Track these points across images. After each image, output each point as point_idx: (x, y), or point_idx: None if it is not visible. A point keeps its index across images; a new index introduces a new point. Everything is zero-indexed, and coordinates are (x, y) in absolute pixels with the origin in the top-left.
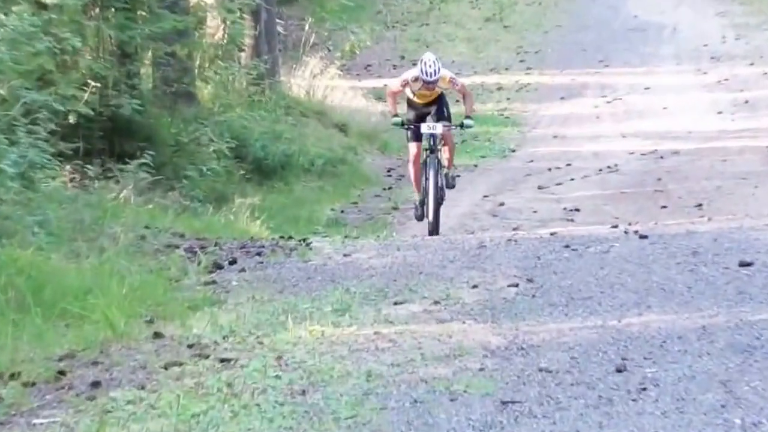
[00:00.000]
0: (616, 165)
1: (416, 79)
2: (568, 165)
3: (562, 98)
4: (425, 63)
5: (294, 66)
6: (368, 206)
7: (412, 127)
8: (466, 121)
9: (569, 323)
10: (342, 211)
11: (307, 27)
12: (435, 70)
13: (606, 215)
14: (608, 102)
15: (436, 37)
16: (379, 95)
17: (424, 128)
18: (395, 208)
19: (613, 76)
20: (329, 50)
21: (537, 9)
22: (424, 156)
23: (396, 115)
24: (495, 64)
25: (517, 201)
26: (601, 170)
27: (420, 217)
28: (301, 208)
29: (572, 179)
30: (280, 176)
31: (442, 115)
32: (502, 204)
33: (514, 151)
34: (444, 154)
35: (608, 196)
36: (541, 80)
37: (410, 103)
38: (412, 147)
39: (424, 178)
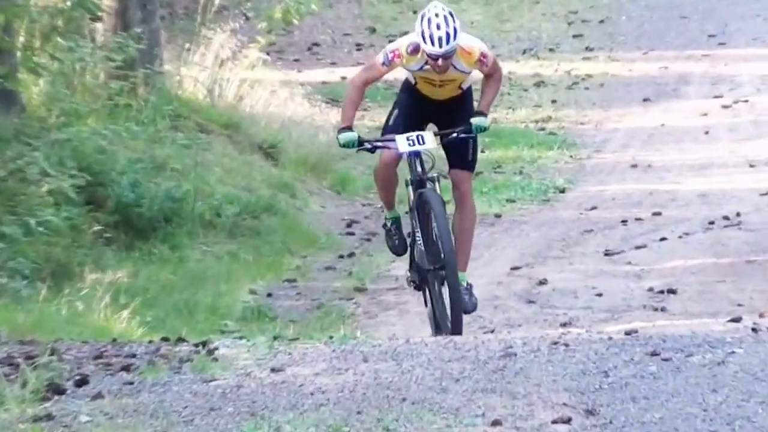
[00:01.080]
0: (738, 215)
1: (414, 51)
2: (657, 214)
3: (646, 100)
4: (429, 20)
5: (187, 46)
6: (314, 286)
7: (378, 145)
8: (477, 120)
9: None
10: (269, 295)
11: None
12: (447, 34)
13: (721, 301)
14: (725, 107)
15: None
16: (333, 95)
17: (401, 144)
18: (360, 289)
19: (734, 61)
20: (246, 18)
21: None
22: (413, 196)
23: (347, 128)
24: (531, 41)
25: (568, 277)
26: (712, 223)
27: (416, 284)
28: (200, 290)
29: (663, 239)
30: (163, 235)
31: (456, 125)
32: (542, 282)
33: (563, 191)
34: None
35: (725, 268)
36: (609, 69)
37: (409, 93)
38: (387, 154)
39: (417, 223)
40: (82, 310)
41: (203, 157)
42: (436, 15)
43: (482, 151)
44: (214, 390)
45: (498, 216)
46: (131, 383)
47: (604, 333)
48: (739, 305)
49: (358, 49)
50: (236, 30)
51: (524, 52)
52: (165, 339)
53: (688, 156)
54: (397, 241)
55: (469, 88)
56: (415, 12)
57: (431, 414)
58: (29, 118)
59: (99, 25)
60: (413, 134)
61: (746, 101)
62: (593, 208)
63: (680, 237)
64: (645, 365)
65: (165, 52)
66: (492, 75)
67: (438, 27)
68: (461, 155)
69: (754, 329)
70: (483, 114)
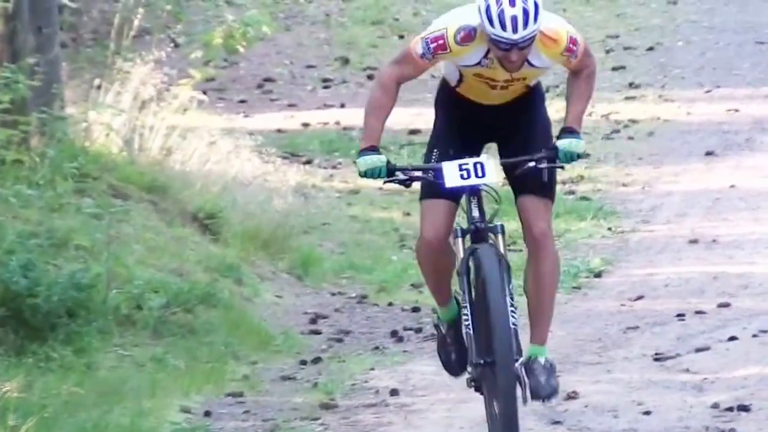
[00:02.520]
0: None
1: (467, 38)
2: (724, 306)
3: (709, 154)
4: None
5: (97, 82)
6: (267, 401)
7: (418, 175)
8: (566, 143)
9: None
10: (207, 414)
11: None
12: (524, 12)
13: None
14: None
15: (424, 10)
16: (293, 147)
17: (449, 174)
18: (329, 406)
19: None
20: (176, 46)
21: None
22: (463, 253)
23: (371, 149)
24: (557, 76)
25: (606, 389)
26: None
27: (476, 385)
28: (114, 408)
29: (732, 338)
30: (66, 335)
31: (530, 143)
32: (572, 395)
33: (599, 275)
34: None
35: None
36: (661, 113)
37: (450, 105)
38: (429, 207)
39: (465, 296)
40: None
41: (119, 230)
42: None
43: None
44: None
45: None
46: None
47: None
48: None
49: (326, 87)
50: (162, 61)
51: (547, 90)
52: None
53: (766, 228)
54: (453, 354)
55: (538, 84)
56: (401, 36)
57: None
58: None
59: None
60: (469, 161)
61: None
62: (639, 297)
63: (755, 336)
64: None
65: (67, 90)
66: (582, 70)
67: (512, 2)
68: (533, 177)
69: None
70: (574, 132)
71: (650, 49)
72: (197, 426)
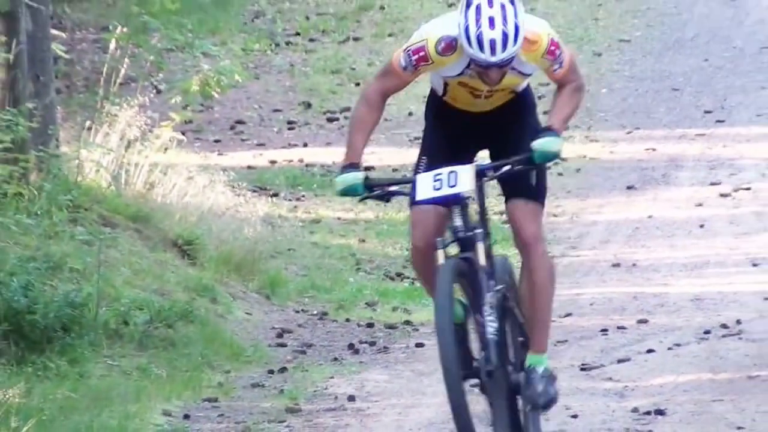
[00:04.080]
0: (738, 322)
1: (448, 48)
2: (642, 322)
3: (630, 188)
4: (477, 8)
5: (88, 124)
6: (239, 406)
7: (394, 190)
8: (541, 143)
9: None
10: (186, 417)
11: (112, 45)
12: (504, 35)
13: (718, 422)
14: (724, 195)
15: (376, 61)
16: (261, 181)
17: (422, 185)
18: (293, 410)
19: (734, 142)
20: (158, 92)
21: (580, 7)
22: (440, 252)
23: (352, 166)
24: None
25: None
26: (708, 333)
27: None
28: (104, 411)
29: (650, 351)
30: (61, 347)
31: (520, 149)
32: None
33: None
34: (506, 271)
35: (723, 385)
36: (587, 151)
37: (438, 115)
38: (417, 214)
39: (448, 310)
40: None
41: (107, 255)
42: (489, 3)
43: None
44: None
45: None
46: None
47: None
48: (739, 428)
49: (290, 128)
50: (145, 105)
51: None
52: None
53: (680, 253)
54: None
55: (527, 88)
56: (357, 84)
57: None
58: None
59: None
60: (444, 171)
61: (748, 189)
62: (567, 315)
63: (670, 348)
64: None
65: (61, 131)
66: (567, 84)
67: (492, 23)
68: (521, 180)
69: None
70: (552, 132)
71: None
72: (177, 428)
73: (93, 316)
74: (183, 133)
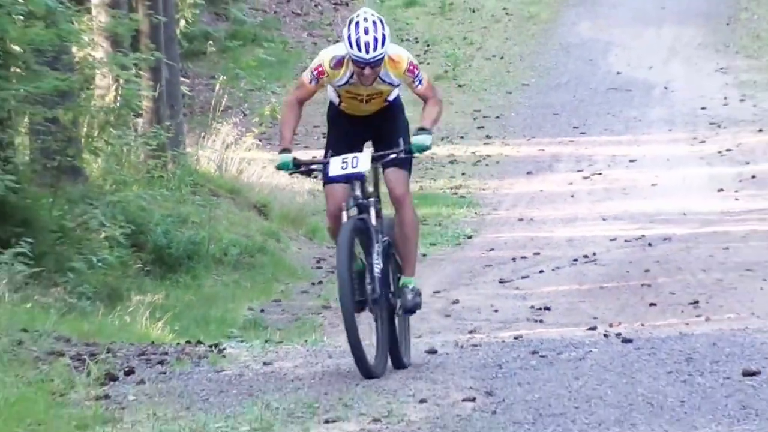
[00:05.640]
0: (594, 254)
1: (338, 64)
2: (537, 254)
3: (529, 173)
4: (357, 24)
5: (202, 134)
6: (294, 304)
7: (313, 167)
8: (418, 138)
9: None
10: (262, 311)
11: (217, 87)
12: (375, 39)
13: (582, 315)
14: (585, 177)
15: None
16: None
17: (333, 166)
18: (326, 307)
19: (592, 145)
20: (245, 115)
21: (498, 64)
22: (344, 214)
23: (286, 150)
24: (447, 131)
25: (474, 298)
26: (576, 260)
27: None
28: (212, 307)
29: (541, 271)
30: (187, 268)
31: (392, 141)
32: (456, 302)
33: (470, 237)
34: (390, 226)
35: (585, 292)
36: (503, 151)
37: (336, 119)
38: (329, 189)
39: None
40: (129, 322)
41: (214, 213)
42: (365, 20)
43: None
44: (223, 378)
45: (423, 255)
46: (164, 373)
47: (499, 338)
48: (595, 318)
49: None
50: (237, 123)
51: (442, 139)
52: (188, 342)
53: (559, 213)
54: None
55: (398, 98)
56: None
57: (377, 395)
58: (91, 185)
59: (139, 120)
60: (348, 156)
61: (600, 174)
62: (491, 249)
63: (553, 270)
64: (528, 360)
65: (187, 138)
66: (429, 98)
67: (366, 32)
68: (396, 158)
69: (605, 335)
70: (425, 130)
71: (497, 117)
72: (257, 317)
73: (206, 250)
74: (260, 140)
